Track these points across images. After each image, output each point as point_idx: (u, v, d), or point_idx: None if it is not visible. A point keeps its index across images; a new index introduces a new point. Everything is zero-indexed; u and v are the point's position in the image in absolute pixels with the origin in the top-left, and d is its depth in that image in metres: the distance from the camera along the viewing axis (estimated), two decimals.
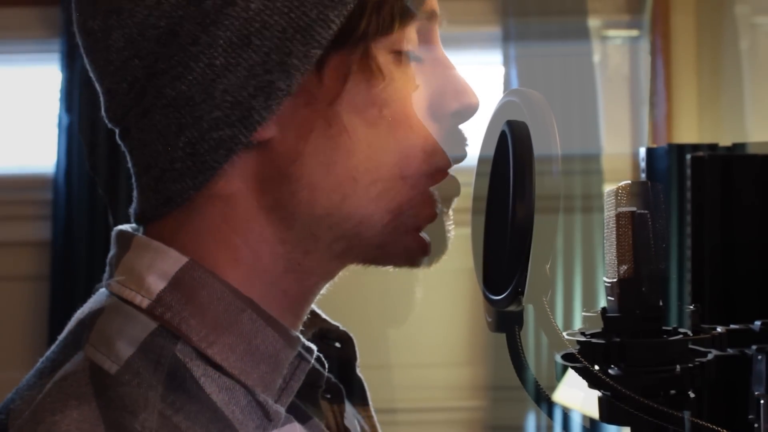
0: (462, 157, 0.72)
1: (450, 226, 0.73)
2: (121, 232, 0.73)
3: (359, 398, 0.82)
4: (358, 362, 0.81)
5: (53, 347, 0.70)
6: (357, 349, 0.81)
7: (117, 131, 0.73)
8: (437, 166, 0.71)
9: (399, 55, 0.69)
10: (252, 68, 0.66)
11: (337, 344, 0.80)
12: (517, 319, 0.65)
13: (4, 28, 2.83)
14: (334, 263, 0.73)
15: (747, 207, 0.81)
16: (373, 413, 0.82)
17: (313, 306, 0.76)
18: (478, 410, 2.81)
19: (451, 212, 0.73)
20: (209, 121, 0.67)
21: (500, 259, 0.64)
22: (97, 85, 0.73)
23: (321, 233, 0.70)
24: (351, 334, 0.81)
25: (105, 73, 0.70)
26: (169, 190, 0.69)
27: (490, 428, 2.80)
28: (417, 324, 2.65)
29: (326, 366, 0.74)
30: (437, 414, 2.83)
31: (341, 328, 0.81)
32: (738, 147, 0.85)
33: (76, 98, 2.66)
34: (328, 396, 0.76)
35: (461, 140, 0.73)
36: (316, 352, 0.72)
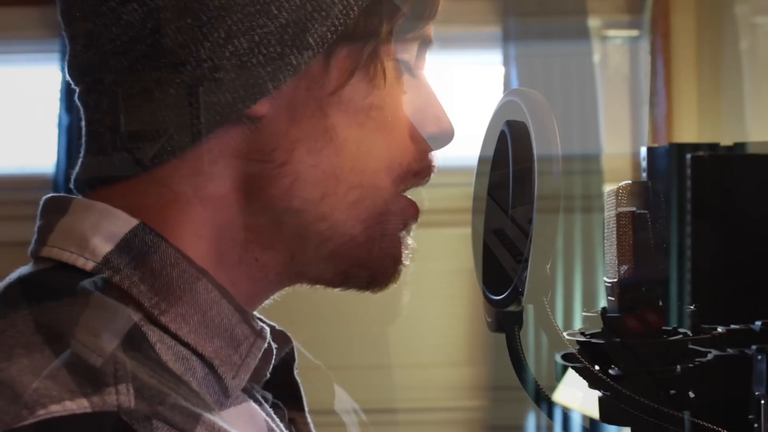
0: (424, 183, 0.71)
1: (407, 253, 0.71)
2: (53, 197, 0.69)
3: (295, 403, 0.77)
4: (297, 364, 0.78)
5: None
6: (295, 349, 0.78)
7: (82, 85, 0.69)
8: (411, 183, 0.70)
9: (399, 64, 0.69)
10: (265, 36, 0.64)
11: (275, 345, 0.76)
12: (517, 319, 0.65)
13: (4, 28, 2.83)
14: (288, 271, 0.69)
15: (747, 207, 0.81)
16: (309, 419, 0.79)
17: None
18: (478, 410, 2.80)
19: (410, 240, 0.71)
20: (210, 83, 0.64)
21: (500, 259, 0.64)
22: (69, 28, 0.69)
23: (287, 229, 0.67)
24: (289, 334, 0.77)
25: (91, 13, 0.66)
26: (141, 151, 0.65)
27: (490, 428, 2.80)
28: (417, 324, 2.65)
29: (274, 353, 0.71)
30: (437, 414, 2.82)
31: (278, 327, 0.77)
32: (738, 147, 0.85)
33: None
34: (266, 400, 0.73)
35: (429, 166, 0.72)
36: (269, 335, 0.68)
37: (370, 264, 0.70)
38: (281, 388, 0.75)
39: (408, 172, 0.69)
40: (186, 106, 0.64)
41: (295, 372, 0.77)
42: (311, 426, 0.78)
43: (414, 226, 0.71)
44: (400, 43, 0.68)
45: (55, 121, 2.72)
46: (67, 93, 2.69)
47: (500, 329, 0.66)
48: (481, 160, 0.69)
